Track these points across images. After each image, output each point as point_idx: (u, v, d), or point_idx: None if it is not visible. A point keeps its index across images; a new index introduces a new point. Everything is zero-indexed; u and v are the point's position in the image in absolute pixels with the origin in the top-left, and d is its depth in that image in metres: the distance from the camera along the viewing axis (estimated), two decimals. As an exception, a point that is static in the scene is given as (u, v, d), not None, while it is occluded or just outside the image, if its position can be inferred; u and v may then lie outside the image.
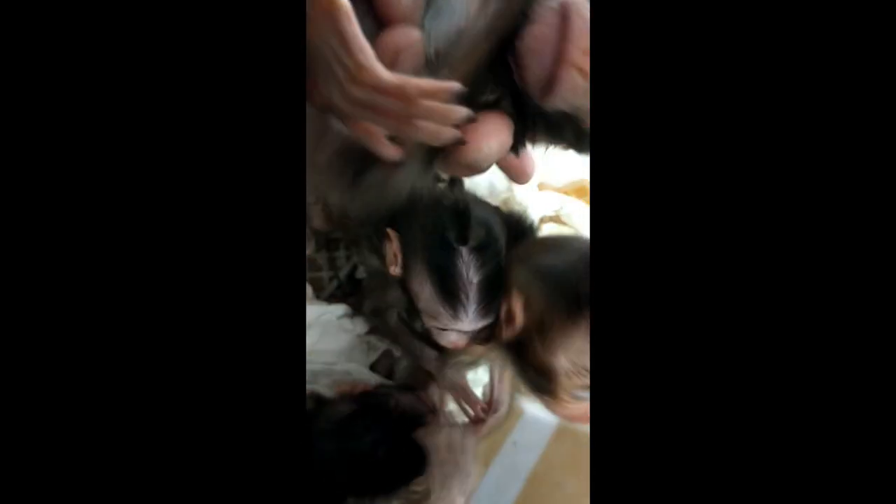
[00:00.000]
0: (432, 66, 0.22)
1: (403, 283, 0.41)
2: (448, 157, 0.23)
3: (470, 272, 0.38)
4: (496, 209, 0.45)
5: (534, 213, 0.75)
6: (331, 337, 0.62)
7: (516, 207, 0.57)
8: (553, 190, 0.75)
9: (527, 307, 0.39)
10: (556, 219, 0.77)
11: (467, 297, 0.38)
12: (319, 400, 0.42)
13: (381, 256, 0.42)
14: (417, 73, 0.21)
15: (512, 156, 0.25)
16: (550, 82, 0.20)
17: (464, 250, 0.38)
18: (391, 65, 0.21)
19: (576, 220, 0.76)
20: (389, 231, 0.40)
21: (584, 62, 0.19)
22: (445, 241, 0.38)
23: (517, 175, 0.27)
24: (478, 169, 0.23)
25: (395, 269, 0.40)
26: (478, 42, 0.21)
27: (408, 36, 0.21)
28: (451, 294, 0.38)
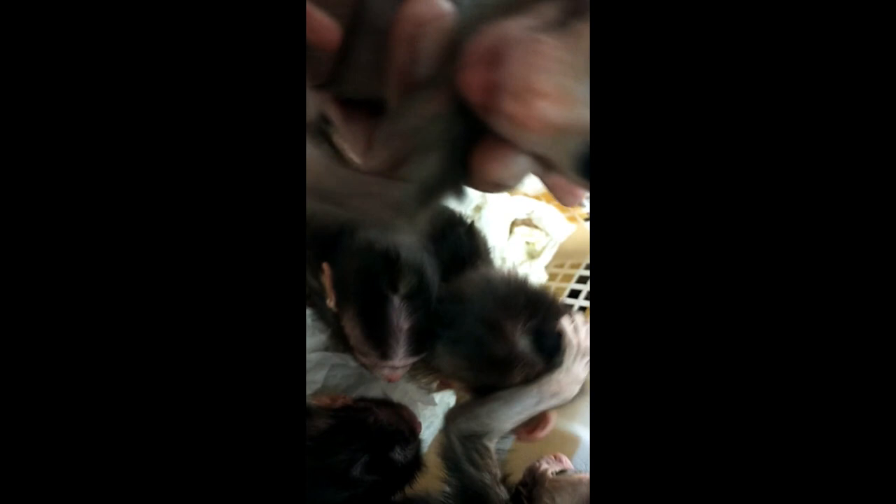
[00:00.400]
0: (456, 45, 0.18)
1: (338, 317, 0.40)
2: (472, 174, 0.19)
3: (400, 319, 0.37)
4: (429, 248, 0.44)
5: (507, 217, 0.75)
6: (306, 336, 0.62)
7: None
8: (524, 195, 0.75)
9: (469, 389, 0.40)
10: (527, 222, 0.77)
11: (397, 342, 0.38)
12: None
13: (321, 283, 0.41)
14: (441, 51, 0.18)
15: (556, 174, 0.20)
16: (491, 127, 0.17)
17: (395, 298, 0.37)
18: (411, 40, 0.18)
19: (546, 222, 0.76)
20: (324, 265, 0.39)
21: (520, 108, 0.15)
22: (377, 289, 0.37)
23: (563, 195, 0.22)
24: (506, 186, 0.20)
25: (330, 302, 0.39)
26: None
27: (434, 7, 0.18)
28: (380, 340, 0.37)
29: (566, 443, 0.53)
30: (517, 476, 0.42)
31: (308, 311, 0.57)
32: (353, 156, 0.21)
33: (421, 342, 0.39)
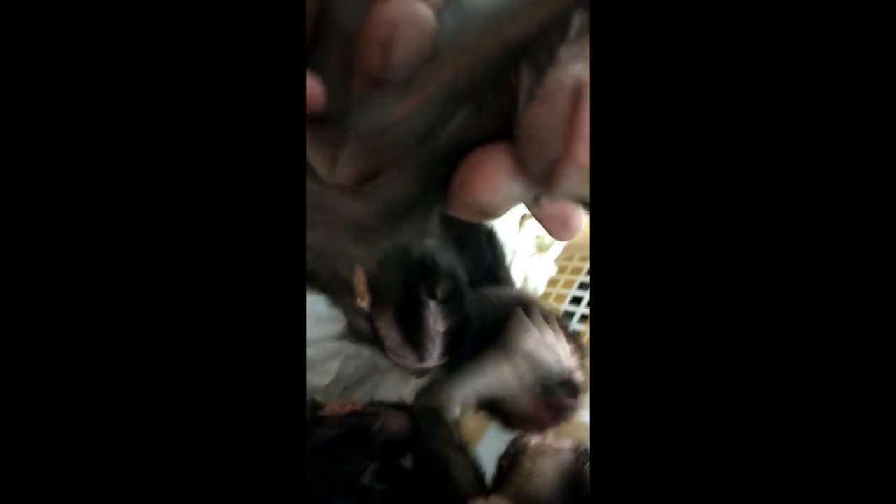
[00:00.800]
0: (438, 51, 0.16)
1: (371, 317, 0.40)
2: (454, 195, 0.17)
3: (437, 323, 0.38)
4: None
5: (517, 210, 0.73)
6: (323, 325, 0.61)
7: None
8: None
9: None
10: (537, 215, 0.74)
11: (433, 345, 0.38)
12: (315, 409, 0.40)
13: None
14: (418, 57, 0.16)
15: (546, 201, 0.18)
16: (550, 177, 0.16)
17: (432, 303, 0.38)
18: (385, 44, 0.16)
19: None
20: (358, 268, 0.39)
21: (587, 156, 0.15)
22: (416, 296, 0.38)
23: (558, 229, 0.19)
24: (490, 213, 0.17)
25: (363, 303, 0.39)
26: (493, 32, 0.16)
27: (409, 8, 0.16)
28: (418, 343, 0.38)
29: (578, 429, 0.52)
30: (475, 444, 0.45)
31: (322, 298, 0.57)
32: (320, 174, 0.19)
33: (454, 344, 0.40)
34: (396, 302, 0.38)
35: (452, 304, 0.39)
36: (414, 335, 0.38)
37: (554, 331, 0.46)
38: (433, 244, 0.39)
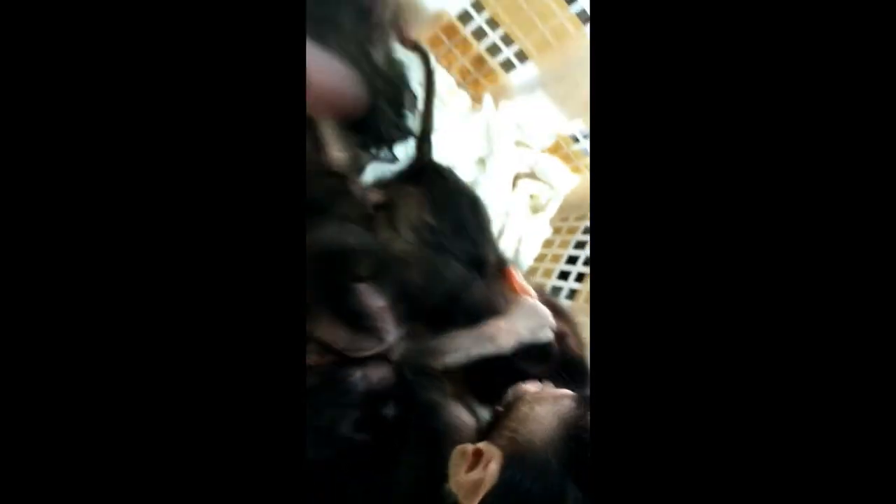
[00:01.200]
0: None
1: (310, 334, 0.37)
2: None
3: (375, 300, 0.36)
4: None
5: (510, 170, 0.70)
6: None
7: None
8: (528, 148, 0.69)
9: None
10: (531, 175, 0.72)
11: (384, 321, 0.36)
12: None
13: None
14: None
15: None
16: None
17: (359, 285, 0.36)
18: None
19: (550, 175, 0.71)
20: None
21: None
22: (340, 285, 0.35)
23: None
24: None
25: None
26: None
27: None
28: (368, 327, 0.36)
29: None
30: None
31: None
32: None
33: (409, 310, 0.38)
34: (329, 301, 0.35)
35: (383, 276, 0.36)
36: (358, 322, 0.35)
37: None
38: (334, 230, 0.36)
